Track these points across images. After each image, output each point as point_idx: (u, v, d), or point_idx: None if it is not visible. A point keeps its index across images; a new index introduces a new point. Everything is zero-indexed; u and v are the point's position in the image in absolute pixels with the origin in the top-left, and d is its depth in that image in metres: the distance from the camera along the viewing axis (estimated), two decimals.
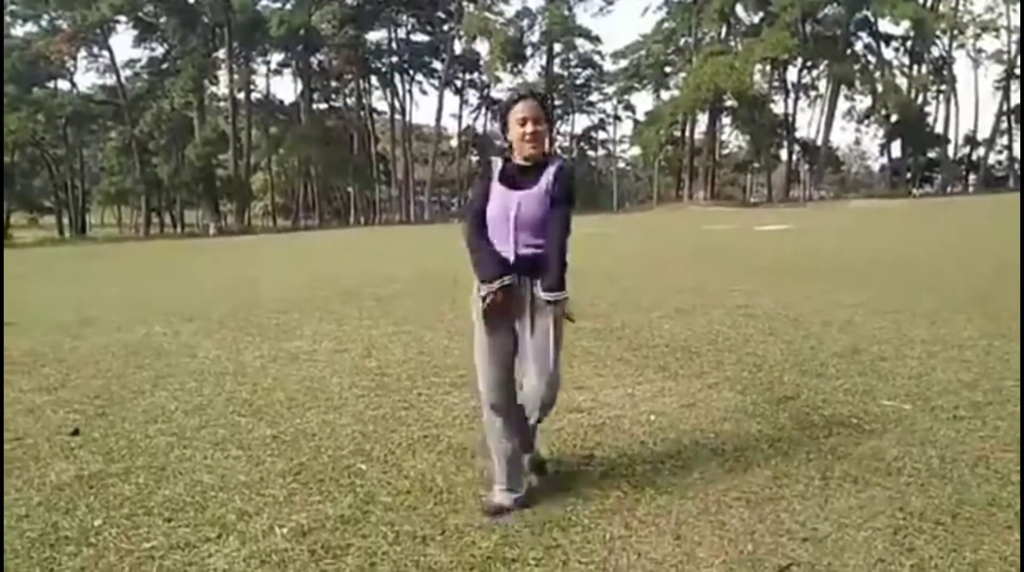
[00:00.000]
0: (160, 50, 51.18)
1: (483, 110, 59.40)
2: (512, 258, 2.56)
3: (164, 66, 50.54)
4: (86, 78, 65.80)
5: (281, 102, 57.82)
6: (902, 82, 52.57)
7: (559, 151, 60.43)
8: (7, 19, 45.28)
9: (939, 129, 52.94)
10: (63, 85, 49.59)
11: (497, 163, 2.68)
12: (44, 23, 47.24)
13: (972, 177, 55.68)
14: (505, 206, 2.57)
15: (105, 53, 49.24)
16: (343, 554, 2.45)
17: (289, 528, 2.65)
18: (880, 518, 2.61)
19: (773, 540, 2.47)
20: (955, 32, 50.35)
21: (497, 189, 2.62)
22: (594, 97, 62.13)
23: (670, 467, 3.16)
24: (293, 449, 3.50)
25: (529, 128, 2.56)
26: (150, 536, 2.62)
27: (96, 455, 3.48)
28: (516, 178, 2.61)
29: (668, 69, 58.38)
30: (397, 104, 58.49)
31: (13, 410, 4.27)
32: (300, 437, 3.68)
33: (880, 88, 51.60)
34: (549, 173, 2.58)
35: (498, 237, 2.59)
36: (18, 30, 46.78)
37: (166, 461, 3.38)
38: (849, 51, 52.23)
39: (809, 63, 53.05)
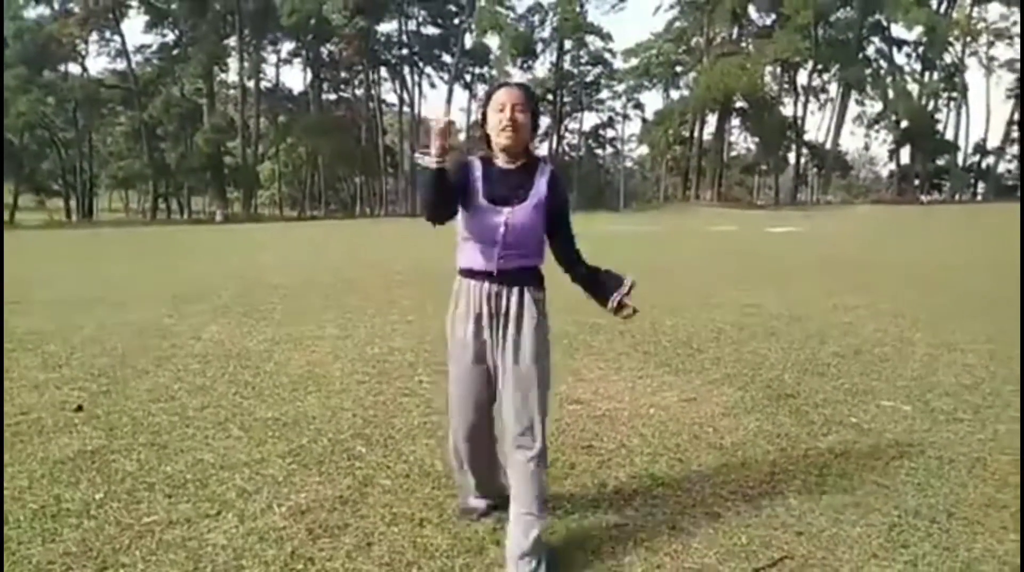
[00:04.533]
0: (171, 36, 51.13)
1: None
2: (495, 271, 2.31)
3: (175, 52, 50.48)
4: (97, 62, 66.02)
5: (290, 91, 57.74)
6: (913, 88, 52.11)
7: (567, 148, 60.39)
8: (20, 0, 45.41)
9: (949, 136, 52.62)
10: (74, 69, 49.67)
11: (476, 165, 2.34)
12: (56, 5, 47.26)
13: (981, 185, 55.30)
14: (492, 225, 2.28)
15: (116, 38, 49.24)
16: (340, 533, 2.48)
17: (287, 507, 2.67)
18: (875, 515, 2.62)
19: (768, 533, 2.49)
20: (968, 39, 49.92)
21: (481, 206, 2.30)
22: (603, 95, 61.69)
23: (668, 459, 3.18)
24: (294, 431, 3.53)
25: (507, 114, 2.25)
26: (151, 511, 2.65)
27: (99, 431, 3.51)
28: (502, 191, 2.30)
29: (678, 68, 58.06)
30: (406, 96, 58.50)
31: (18, 386, 4.31)
32: (301, 420, 3.70)
33: (891, 93, 51.23)
34: (540, 184, 2.31)
35: (480, 255, 2.33)
36: (31, 12, 46.87)
37: (168, 439, 3.41)
38: (861, 55, 51.88)
39: (820, 66, 52.66)
